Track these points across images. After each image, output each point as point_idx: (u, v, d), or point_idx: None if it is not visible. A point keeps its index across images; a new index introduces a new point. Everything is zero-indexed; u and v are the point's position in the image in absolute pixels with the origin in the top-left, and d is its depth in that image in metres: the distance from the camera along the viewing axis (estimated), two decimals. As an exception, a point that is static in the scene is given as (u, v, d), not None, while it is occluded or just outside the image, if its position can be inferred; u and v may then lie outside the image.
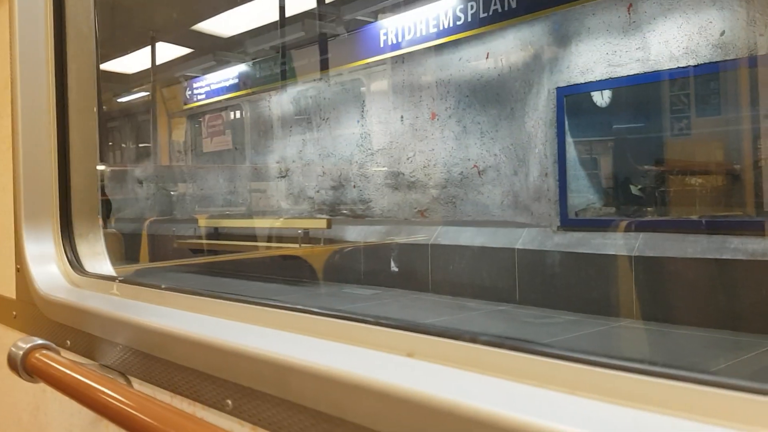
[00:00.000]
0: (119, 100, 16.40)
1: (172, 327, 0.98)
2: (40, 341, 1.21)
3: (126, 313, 1.14)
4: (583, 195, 8.18)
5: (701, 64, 6.75)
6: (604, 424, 0.52)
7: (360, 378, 0.66)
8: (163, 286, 1.21)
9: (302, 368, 0.72)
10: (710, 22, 6.67)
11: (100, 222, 1.62)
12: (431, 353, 0.68)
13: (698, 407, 0.50)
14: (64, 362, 1.13)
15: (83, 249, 1.55)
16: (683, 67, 6.87)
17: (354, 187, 10.92)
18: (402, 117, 10.15)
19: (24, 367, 1.18)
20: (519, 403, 0.57)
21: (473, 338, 0.65)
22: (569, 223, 7.86)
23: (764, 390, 0.49)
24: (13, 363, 1.18)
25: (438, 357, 0.67)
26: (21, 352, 1.18)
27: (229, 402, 0.84)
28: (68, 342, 1.32)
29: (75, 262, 1.52)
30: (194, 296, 1.11)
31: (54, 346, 1.22)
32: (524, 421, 0.53)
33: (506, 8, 8.43)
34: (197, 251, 12.07)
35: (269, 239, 11.18)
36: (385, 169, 10.42)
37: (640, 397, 0.53)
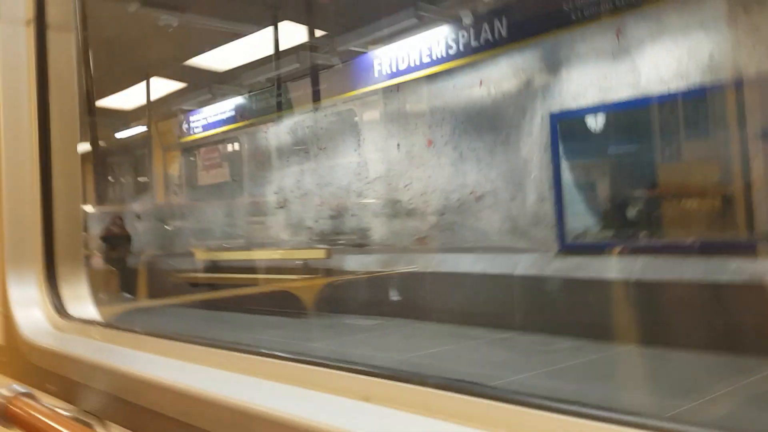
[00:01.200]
0: (117, 135, 16.51)
1: (147, 374, 0.99)
2: (20, 389, 1.21)
3: (104, 359, 1.15)
4: (581, 219, 8.18)
5: (691, 87, 6.80)
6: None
7: (318, 425, 0.67)
8: (141, 331, 1.22)
9: (264, 416, 0.73)
10: (699, 45, 6.74)
11: (84, 265, 1.63)
12: (387, 397, 0.69)
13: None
14: (43, 411, 1.13)
15: (67, 292, 1.56)
16: (673, 91, 6.93)
17: (352, 216, 10.94)
18: (398, 145, 10.21)
19: (4, 416, 1.18)
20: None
21: (422, 381, 0.65)
22: (568, 247, 7.85)
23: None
24: None
25: (393, 401, 0.68)
26: (1, 401, 1.19)
27: None
28: (50, 387, 1.33)
29: (59, 306, 1.53)
30: (170, 341, 1.12)
31: (34, 393, 1.22)
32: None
33: (497, 36, 8.54)
34: (195, 285, 12.03)
35: (268, 271, 11.16)
36: (383, 197, 10.45)
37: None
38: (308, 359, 0.82)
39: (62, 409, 1.19)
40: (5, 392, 1.21)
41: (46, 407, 1.15)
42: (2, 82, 1.55)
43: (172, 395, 0.91)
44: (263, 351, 0.92)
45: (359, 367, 0.75)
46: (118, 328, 1.31)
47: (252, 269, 11.49)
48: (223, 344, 1.00)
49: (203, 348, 1.03)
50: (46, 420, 1.09)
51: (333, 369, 0.77)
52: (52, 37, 1.60)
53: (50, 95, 1.60)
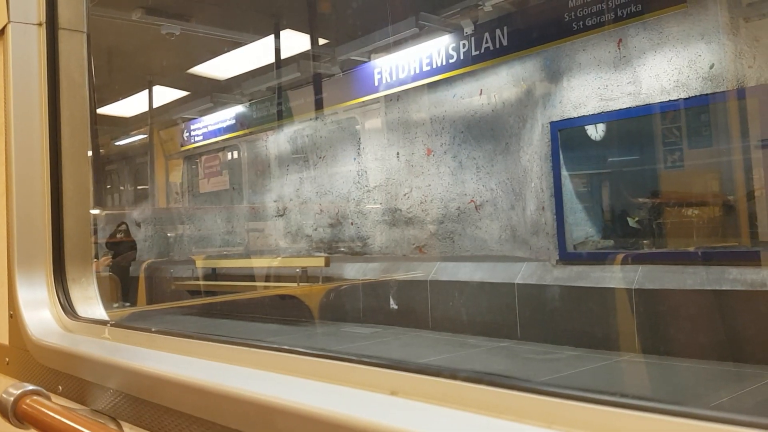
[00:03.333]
0: (117, 143, 16.51)
1: (159, 370, 0.98)
2: (30, 387, 1.21)
3: (116, 357, 1.14)
4: (581, 228, 8.19)
5: (692, 96, 6.83)
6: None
7: (344, 417, 0.66)
8: (153, 329, 1.21)
9: (287, 409, 0.73)
10: (699, 55, 6.78)
11: (93, 266, 1.63)
12: (414, 391, 0.69)
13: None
14: (54, 408, 1.13)
15: (76, 293, 1.56)
16: (674, 100, 6.96)
17: (351, 224, 10.94)
18: (398, 153, 10.23)
19: (14, 414, 1.17)
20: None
21: (453, 375, 0.65)
22: (568, 256, 7.85)
23: (741, 421, 0.49)
24: (3, 410, 1.18)
25: (421, 394, 0.68)
26: (11, 399, 1.18)
27: None
28: (60, 387, 1.32)
29: (68, 307, 1.53)
30: (183, 339, 1.11)
31: (45, 392, 1.21)
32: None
33: (498, 46, 8.57)
34: (195, 293, 12.02)
35: (267, 278, 11.15)
36: (382, 205, 10.45)
37: (615, 431, 0.53)
38: (329, 354, 0.82)
39: (74, 407, 1.19)
40: (14, 390, 1.20)
41: (58, 405, 1.15)
42: (14, 83, 1.55)
43: (189, 392, 0.91)
44: (281, 347, 0.91)
45: (385, 362, 0.75)
46: (128, 328, 1.30)
47: (251, 277, 11.48)
48: (238, 341, 1.00)
49: (218, 345, 1.02)
50: (59, 417, 1.08)
51: (357, 364, 0.77)
52: (64, 39, 1.60)
53: (61, 97, 1.60)
